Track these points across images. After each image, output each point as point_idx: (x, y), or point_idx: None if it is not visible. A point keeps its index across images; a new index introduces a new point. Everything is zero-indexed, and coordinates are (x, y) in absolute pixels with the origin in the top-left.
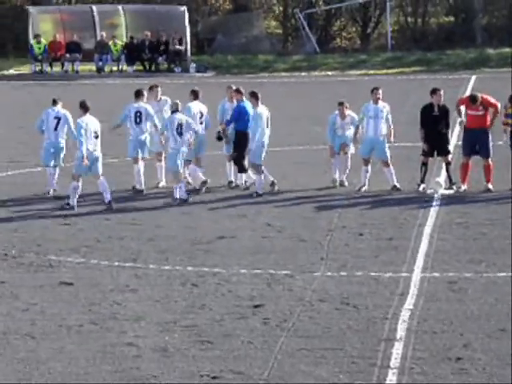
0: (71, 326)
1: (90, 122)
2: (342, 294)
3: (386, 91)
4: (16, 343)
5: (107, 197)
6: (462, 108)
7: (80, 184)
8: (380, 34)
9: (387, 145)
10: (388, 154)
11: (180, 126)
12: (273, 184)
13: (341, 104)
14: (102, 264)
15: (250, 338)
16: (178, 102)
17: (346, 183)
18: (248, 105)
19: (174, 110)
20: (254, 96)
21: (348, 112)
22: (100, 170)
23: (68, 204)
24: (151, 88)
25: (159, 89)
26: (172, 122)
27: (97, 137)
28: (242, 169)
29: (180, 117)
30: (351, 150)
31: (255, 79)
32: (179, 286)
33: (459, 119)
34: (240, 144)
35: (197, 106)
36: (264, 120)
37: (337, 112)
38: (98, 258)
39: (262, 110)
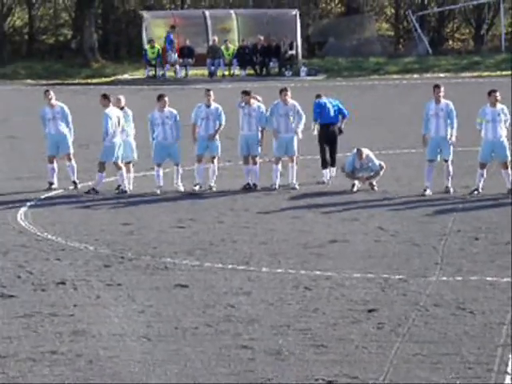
0: (186, 329)
1: (116, 113)
2: (458, 299)
3: (500, 94)
4: (132, 345)
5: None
6: None
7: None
8: (494, 35)
9: (508, 146)
10: (509, 156)
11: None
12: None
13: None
14: (216, 267)
15: (364, 342)
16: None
17: (451, 189)
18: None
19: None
20: (104, 97)
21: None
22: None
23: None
24: (159, 97)
25: (166, 98)
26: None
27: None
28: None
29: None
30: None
31: (366, 81)
32: (292, 290)
33: None
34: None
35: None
36: (114, 121)
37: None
38: (212, 261)
39: (114, 111)
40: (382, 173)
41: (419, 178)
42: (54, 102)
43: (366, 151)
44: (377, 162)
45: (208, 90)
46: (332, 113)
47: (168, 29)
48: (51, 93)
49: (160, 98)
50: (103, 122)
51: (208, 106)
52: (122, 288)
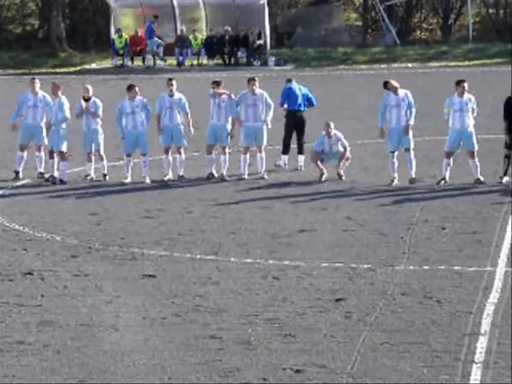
0: (155, 319)
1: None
2: (425, 288)
3: (467, 83)
4: (100, 335)
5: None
6: None
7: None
8: (461, 25)
9: (475, 136)
10: (476, 145)
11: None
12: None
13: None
14: (185, 257)
15: (333, 331)
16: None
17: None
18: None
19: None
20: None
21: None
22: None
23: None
24: (129, 87)
25: (137, 89)
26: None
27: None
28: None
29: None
30: None
31: (334, 71)
32: (260, 279)
33: None
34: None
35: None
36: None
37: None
38: (181, 251)
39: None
40: (348, 153)
41: (387, 168)
42: (38, 90)
43: (334, 129)
44: (345, 141)
45: (170, 80)
46: (300, 100)
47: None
48: (37, 81)
49: (130, 88)
50: (61, 108)
51: (171, 95)
52: (90, 278)
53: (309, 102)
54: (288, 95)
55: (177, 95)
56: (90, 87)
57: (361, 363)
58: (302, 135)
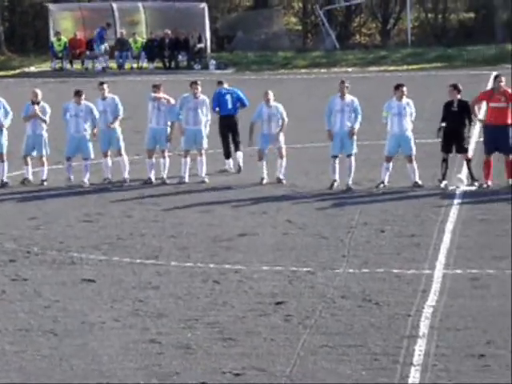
0: (94, 323)
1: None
2: (364, 291)
3: (406, 87)
4: (39, 340)
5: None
6: (483, 105)
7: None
8: (400, 30)
9: (413, 140)
10: (414, 150)
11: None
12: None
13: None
14: (124, 261)
15: (272, 335)
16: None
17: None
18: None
19: None
20: None
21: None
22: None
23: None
24: (77, 93)
25: (83, 96)
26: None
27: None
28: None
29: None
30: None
31: (275, 76)
32: (201, 283)
33: (478, 118)
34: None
35: None
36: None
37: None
38: (120, 255)
39: None
40: (283, 150)
41: (327, 172)
42: None
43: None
44: (284, 114)
45: (101, 84)
46: (230, 104)
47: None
48: None
49: (77, 93)
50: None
51: (103, 98)
52: (28, 283)
53: (241, 103)
54: (218, 100)
55: (109, 97)
56: (39, 91)
57: (300, 366)
58: (237, 136)
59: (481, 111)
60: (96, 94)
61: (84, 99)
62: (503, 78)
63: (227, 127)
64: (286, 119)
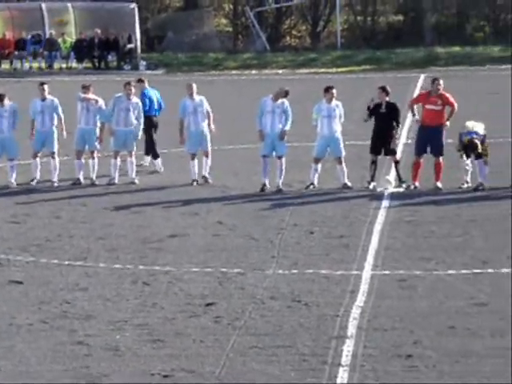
0: (21, 325)
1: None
2: (293, 291)
3: (336, 90)
4: None
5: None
6: (416, 106)
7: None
8: (330, 32)
9: (342, 142)
10: (343, 152)
11: None
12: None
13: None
14: (52, 263)
15: (202, 336)
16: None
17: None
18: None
19: None
20: None
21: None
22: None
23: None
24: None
25: (7, 98)
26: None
27: None
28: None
29: None
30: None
31: (206, 77)
32: (130, 285)
33: (415, 117)
34: None
35: None
36: None
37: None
38: (48, 257)
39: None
40: (211, 115)
41: (258, 173)
42: None
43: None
44: (208, 106)
45: (42, 84)
46: (156, 105)
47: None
48: None
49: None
50: None
51: (43, 99)
52: None
53: (159, 105)
54: (143, 101)
55: (49, 98)
56: None
57: (229, 367)
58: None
59: (415, 111)
60: (23, 94)
61: (8, 99)
62: (441, 82)
63: (151, 127)
64: (211, 113)
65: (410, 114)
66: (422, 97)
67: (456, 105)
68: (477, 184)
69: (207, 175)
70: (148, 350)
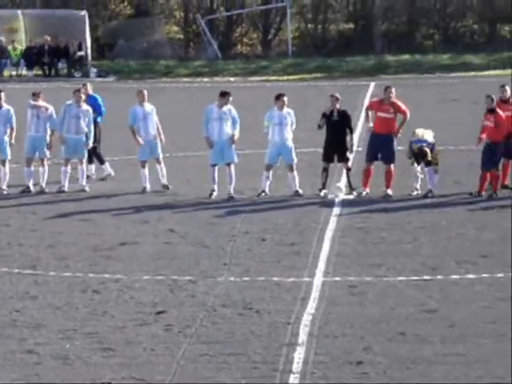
0: None
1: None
2: (245, 299)
3: (287, 97)
4: None
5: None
6: (370, 113)
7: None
8: (281, 40)
9: (294, 150)
10: (295, 159)
11: None
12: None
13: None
14: (2, 271)
15: (153, 344)
16: None
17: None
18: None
19: None
20: None
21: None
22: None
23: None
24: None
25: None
26: None
27: None
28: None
29: None
30: None
31: (157, 84)
32: (80, 293)
33: (368, 125)
34: None
35: None
36: None
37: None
38: None
39: None
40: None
41: (209, 181)
42: None
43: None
44: (156, 117)
45: None
46: (104, 110)
47: None
48: None
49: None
50: None
51: None
52: None
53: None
54: (94, 106)
55: (5, 107)
56: None
57: (180, 375)
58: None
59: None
60: None
61: None
62: (393, 90)
63: (99, 133)
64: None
65: (360, 122)
66: (375, 104)
67: (408, 113)
68: (426, 191)
69: (166, 182)
70: (98, 358)
